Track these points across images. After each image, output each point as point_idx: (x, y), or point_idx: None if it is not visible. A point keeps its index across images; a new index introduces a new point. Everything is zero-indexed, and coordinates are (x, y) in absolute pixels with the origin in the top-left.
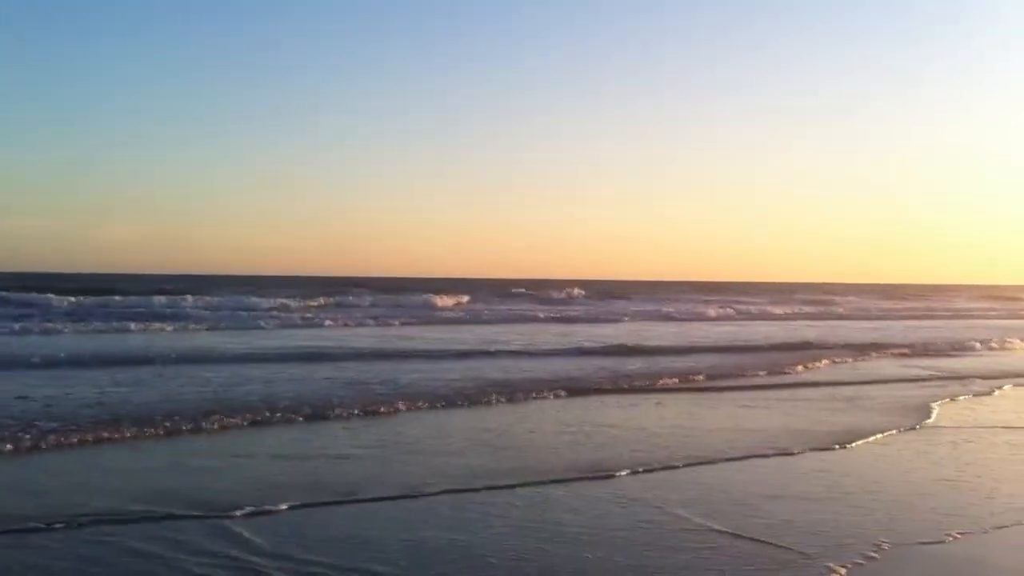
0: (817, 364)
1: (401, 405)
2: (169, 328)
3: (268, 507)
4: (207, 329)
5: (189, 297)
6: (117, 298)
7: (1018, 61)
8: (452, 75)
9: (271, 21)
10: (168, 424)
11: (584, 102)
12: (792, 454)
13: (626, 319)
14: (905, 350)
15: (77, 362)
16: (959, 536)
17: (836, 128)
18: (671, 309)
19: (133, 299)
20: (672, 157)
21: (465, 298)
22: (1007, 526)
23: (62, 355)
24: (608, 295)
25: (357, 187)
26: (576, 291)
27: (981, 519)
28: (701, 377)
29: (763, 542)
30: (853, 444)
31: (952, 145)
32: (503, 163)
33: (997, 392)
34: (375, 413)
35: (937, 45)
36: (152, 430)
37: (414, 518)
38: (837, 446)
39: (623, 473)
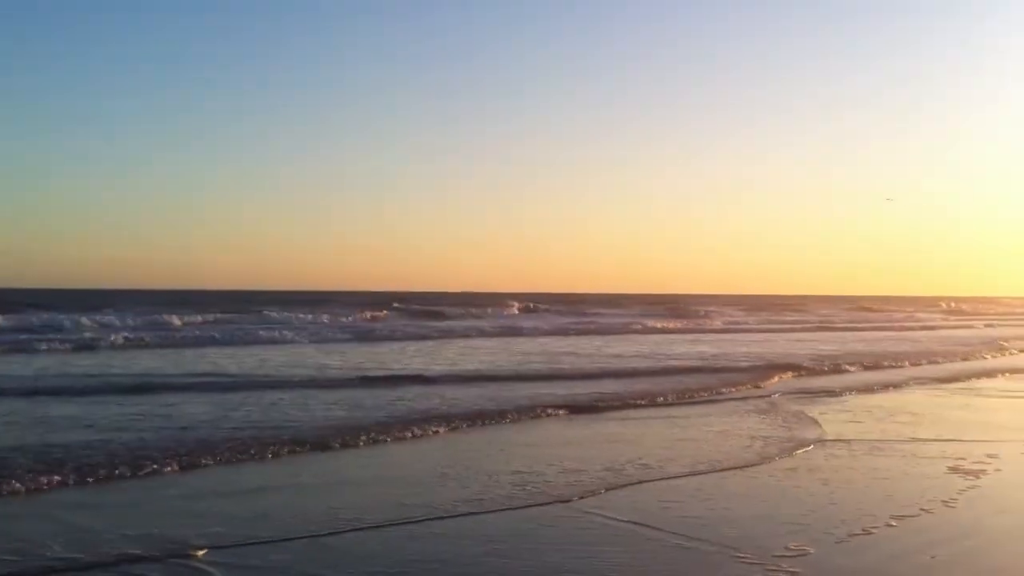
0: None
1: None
2: None
3: None
4: None
5: None
6: None
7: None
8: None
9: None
10: None
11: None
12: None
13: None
14: (790, 371)
15: None
16: (812, 551)
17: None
18: (528, 324)
19: None
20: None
21: (355, 316)
22: (858, 534)
23: None
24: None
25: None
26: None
27: (834, 528)
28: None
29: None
30: (724, 471)
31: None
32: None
33: (870, 403)
34: None
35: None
36: None
37: None
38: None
39: None
